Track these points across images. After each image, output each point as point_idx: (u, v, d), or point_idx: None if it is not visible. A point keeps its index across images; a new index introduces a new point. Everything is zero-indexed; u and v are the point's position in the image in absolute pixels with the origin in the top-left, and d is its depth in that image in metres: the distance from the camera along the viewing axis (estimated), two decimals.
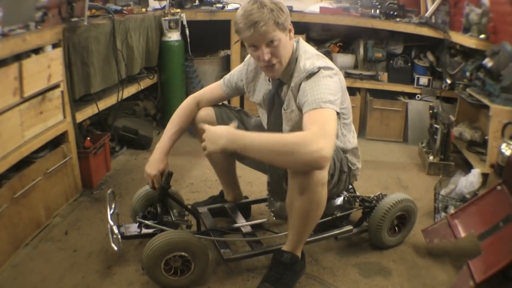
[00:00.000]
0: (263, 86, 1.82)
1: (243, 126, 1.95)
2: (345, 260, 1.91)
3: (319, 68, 1.58)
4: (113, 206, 1.81)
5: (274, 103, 1.77)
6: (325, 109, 1.50)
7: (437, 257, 1.93)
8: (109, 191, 1.84)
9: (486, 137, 2.72)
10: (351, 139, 1.83)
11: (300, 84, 1.60)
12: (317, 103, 1.51)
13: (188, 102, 1.91)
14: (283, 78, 1.70)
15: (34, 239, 1.95)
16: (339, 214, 1.90)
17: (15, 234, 1.84)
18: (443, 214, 2.16)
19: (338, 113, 1.55)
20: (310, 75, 1.58)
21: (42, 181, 2.00)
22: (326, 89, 1.54)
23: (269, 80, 1.77)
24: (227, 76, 1.94)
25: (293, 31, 1.64)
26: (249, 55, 1.84)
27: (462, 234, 1.81)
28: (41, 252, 1.88)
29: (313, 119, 1.48)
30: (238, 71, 1.90)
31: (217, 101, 1.96)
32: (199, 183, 2.57)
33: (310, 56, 1.65)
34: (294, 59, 1.66)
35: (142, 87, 3.10)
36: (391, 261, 1.91)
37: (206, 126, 1.51)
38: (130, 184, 2.53)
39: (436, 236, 1.93)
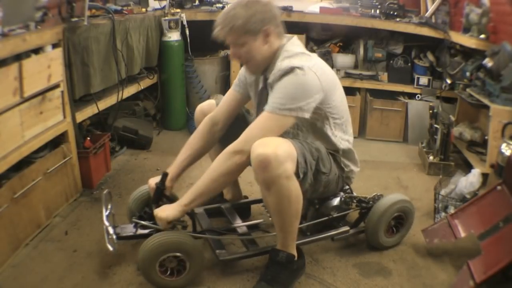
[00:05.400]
0: (260, 82, 1.81)
1: (244, 122, 1.93)
2: (345, 260, 1.91)
3: (293, 68, 1.57)
4: (109, 206, 1.81)
5: (262, 99, 1.77)
6: (275, 115, 1.58)
7: (437, 257, 1.93)
8: (105, 192, 1.84)
9: (486, 137, 2.72)
10: (343, 141, 1.79)
11: (274, 83, 1.63)
12: (273, 107, 1.58)
13: (202, 125, 1.90)
14: (267, 75, 1.70)
15: (34, 239, 1.95)
16: (335, 215, 1.90)
17: (15, 234, 1.84)
18: (443, 214, 2.16)
19: (312, 117, 1.62)
20: (284, 74, 1.59)
21: (42, 181, 2.00)
22: (291, 93, 1.56)
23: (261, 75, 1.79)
24: (236, 79, 1.93)
25: (273, 33, 1.65)
26: None
27: (462, 234, 1.81)
28: (41, 252, 1.88)
29: (254, 123, 1.62)
30: (242, 68, 1.90)
31: (235, 108, 1.90)
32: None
33: (291, 54, 1.64)
34: (276, 58, 1.67)
35: (142, 87, 3.11)
36: (391, 261, 1.92)
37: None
38: (130, 184, 2.53)
39: (436, 236, 1.93)
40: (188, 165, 1.89)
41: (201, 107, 2.00)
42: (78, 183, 2.34)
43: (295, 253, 1.69)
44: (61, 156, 2.18)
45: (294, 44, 1.70)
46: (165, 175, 1.79)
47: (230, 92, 1.92)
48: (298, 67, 1.57)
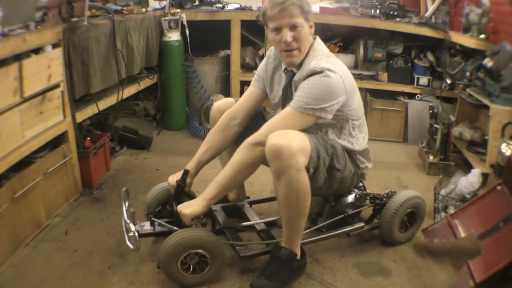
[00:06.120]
0: (282, 79, 1.83)
1: (263, 120, 1.92)
2: (345, 260, 1.91)
3: (322, 69, 1.60)
4: (127, 204, 1.80)
5: (286, 96, 1.79)
6: (298, 113, 1.61)
7: (437, 257, 1.93)
8: (123, 189, 1.82)
9: (486, 137, 2.72)
10: (361, 141, 1.84)
11: (300, 81, 1.65)
12: (298, 105, 1.61)
13: (221, 120, 1.90)
14: (296, 71, 1.72)
15: (34, 239, 1.95)
16: (351, 212, 1.92)
17: (15, 234, 1.84)
18: (443, 214, 2.16)
19: (330, 117, 1.63)
20: (311, 74, 1.62)
21: (42, 181, 2.00)
22: (317, 94, 1.59)
23: (284, 72, 1.79)
24: (255, 75, 1.95)
25: (313, 28, 1.71)
26: (269, 50, 1.89)
27: (462, 234, 1.81)
28: (41, 252, 1.88)
29: (276, 118, 1.65)
30: (261, 64, 1.94)
31: (254, 103, 1.91)
32: (199, 183, 2.56)
33: (319, 54, 1.69)
34: (304, 56, 1.70)
35: (142, 87, 3.11)
36: (391, 261, 1.92)
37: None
38: (130, 184, 2.52)
39: (436, 236, 1.93)
40: (207, 160, 1.90)
41: (218, 105, 1.99)
42: (78, 183, 2.34)
43: (298, 252, 1.70)
44: (61, 156, 2.18)
45: (320, 43, 1.75)
46: (185, 172, 1.80)
47: (250, 88, 1.95)
48: (326, 69, 1.60)
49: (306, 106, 1.60)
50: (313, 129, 1.70)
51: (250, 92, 1.93)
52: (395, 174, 2.81)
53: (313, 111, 1.61)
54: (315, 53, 1.70)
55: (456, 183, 2.24)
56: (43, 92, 1.99)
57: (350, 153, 1.81)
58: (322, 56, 1.69)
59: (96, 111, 2.52)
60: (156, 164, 2.81)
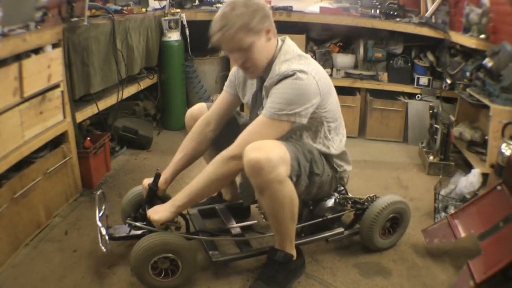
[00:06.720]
0: (254, 84, 1.79)
1: (235, 125, 1.93)
2: (345, 260, 1.91)
3: (294, 72, 1.54)
4: (103, 207, 1.80)
5: (256, 102, 1.75)
6: (272, 121, 1.55)
7: (437, 257, 1.93)
8: (98, 193, 1.82)
9: (486, 137, 2.72)
10: (337, 144, 1.77)
11: (272, 87, 1.60)
12: (271, 112, 1.55)
13: (195, 127, 1.88)
14: (265, 76, 1.66)
15: (34, 239, 1.95)
16: (330, 216, 1.88)
17: (15, 234, 1.84)
18: (443, 214, 2.16)
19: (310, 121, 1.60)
20: (282, 78, 1.56)
21: (42, 181, 2.00)
22: (290, 98, 1.53)
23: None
24: (227, 80, 1.92)
25: (272, 30, 1.62)
26: None
27: (462, 234, 1.81)
28: (41, 252, 1.88)
29: (250, 127, 1.59)
30: (233, 69, 1.90)
31: (227, 109, 1.89)
32: None
33: (290, 57, 1.61)
34: (273, 60, 1.63)
35: (142, 87, 3.11)
36: (391, 261, 1.91)
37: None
38: (130, 184, 2.52)
39: (436, 236, 1.93)
40: (182, 167, 1.88)
41: (191, 111, 1.98)
42: (78, 183, 2.34)
43: (293, 253, 1.69)
44: (61, 156, 2.18)
45: (290, 45, 1.67)
46: (157, 176, 1.79)
47: (222, 93, 1.92)
48: (297, 71, 1.53)
49: (279, 112, 1.53)
50: (287, 133, 1.63)
51: (222, 97, 1.89)
52: (395, 174, 2.81)
53: (287, 117, 1.54)
54: (286, 56, 1.61)
55: (456, 183, 2.24)
56: (43, 92, 1.99)
57: (327, 157, 1.75)
58: (293, 58, 1.61)
59: (96, 111, 2.52)
60: (156, 164, 2.80)
